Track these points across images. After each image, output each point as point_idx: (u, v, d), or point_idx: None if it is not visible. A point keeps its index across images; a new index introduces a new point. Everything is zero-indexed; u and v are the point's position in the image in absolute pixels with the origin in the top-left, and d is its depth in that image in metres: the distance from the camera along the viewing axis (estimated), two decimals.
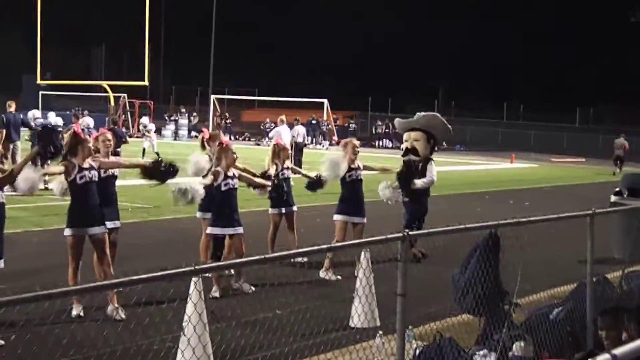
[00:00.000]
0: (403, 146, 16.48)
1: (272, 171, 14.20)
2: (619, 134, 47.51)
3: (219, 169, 12.53)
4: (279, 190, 14.36)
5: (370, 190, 15.34)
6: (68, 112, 45.15)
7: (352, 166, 14.38)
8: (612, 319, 7.14)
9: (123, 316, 10.59)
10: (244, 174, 13.15)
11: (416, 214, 16.05)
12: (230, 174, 12.53)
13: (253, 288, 12.65)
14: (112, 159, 12.27)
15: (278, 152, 14.61)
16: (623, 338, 6.27)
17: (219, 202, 12.59)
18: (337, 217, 14.35)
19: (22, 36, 69.10)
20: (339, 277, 13.96)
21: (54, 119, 25.15)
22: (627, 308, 8.65)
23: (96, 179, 11.05)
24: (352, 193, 14.43)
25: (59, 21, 63.83)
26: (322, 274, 13.97)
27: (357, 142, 14.89)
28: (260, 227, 15.33)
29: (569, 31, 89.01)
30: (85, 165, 10.90)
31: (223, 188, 12.45)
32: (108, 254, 11.03)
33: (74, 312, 10.61)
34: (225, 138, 14.29)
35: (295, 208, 15.05)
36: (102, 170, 11.85)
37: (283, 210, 14.56)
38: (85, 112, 28.50)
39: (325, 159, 14.48)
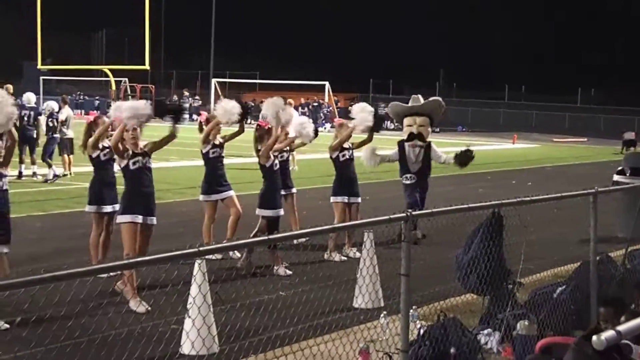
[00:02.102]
0: (407, 130, 16.39)
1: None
2: (623, 119, 47.69)
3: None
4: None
5: (371, 172, 15.35)
6: (71, 97, 45.10)
7: (344, 146, 14.42)
8: (613, 309, 7.14)
9: (147, 308, 10.46)
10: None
11: (420, 195, 16.05)
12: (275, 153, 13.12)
13: (289, 272, 12.73)
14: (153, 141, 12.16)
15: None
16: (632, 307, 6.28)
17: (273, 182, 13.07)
18: (335, 199, 14.38)
19: (23, 22, 68.87)
20: (344, 257, 13.97)
21: (27, 96, 24.94)
22: (638, 283, 8.70)
23: (150, 165, 11.02)
24: (346, 173, 14.48)
25: (59, 7, 63.72)
26: (326, 255, 13.98)
27: (351, 124, 14.91)
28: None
29: (571, 12, 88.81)
30: (139, 150, 10.86)
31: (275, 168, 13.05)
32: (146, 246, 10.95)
33: (138, 309, 10.45)
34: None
35: (294, 190, 15.10)
36: (102, 153, 11.86)
37: (283, 193, 14.54)
38: (68, 97, 28.19)
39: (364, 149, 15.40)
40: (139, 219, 10.69)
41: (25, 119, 23.38)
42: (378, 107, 65.21)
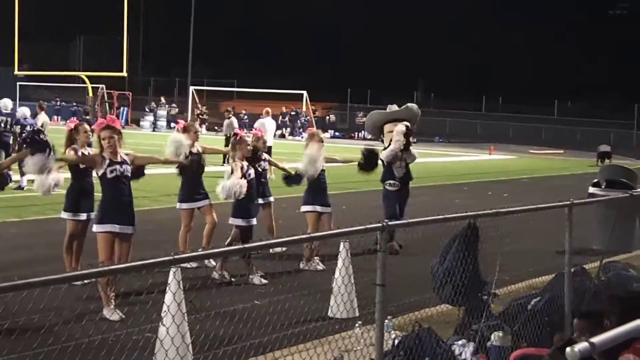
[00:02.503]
0: (388, 136, 16.40)
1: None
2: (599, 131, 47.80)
3: (237, 162, 12.79)
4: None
5: (347, 182, 15.34)
6: (48, 103, 44.78)
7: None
8: (587, 322, 7.16)
9: (122, 316, 10.43)
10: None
11: (398, 204, 16.07)
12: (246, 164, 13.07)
13: (265, 281, 12.70)
14: (144, 155, 12.18)
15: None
16: (604, 324, 6.30)
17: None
18: (306, 208, 14.38)
19: None
20: (323, 267, 13.93)
21: (22, 110, 24.91)
22: (611, 295, 8.71)
23: (128, 174, 10.88)
24: (317, 183, 14.42)
25: (37, 13, 63.49)
26: (302, 265, 13.97)
27: (322, 134, 14.97)
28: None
29: (547, 24, 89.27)
30: (118, 159, 10.77)
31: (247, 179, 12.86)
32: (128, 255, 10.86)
33: (111, 317, 10.38)
34: (238, 130, 14.50)
35: (272, 199, 15.08)
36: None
37: (261, 202, 14.50)
38: (45, 103, 28.08)
39: (305, 154, 14.28)
40: (116, 228, 10.62)
41: (2, 125, 23.24)
42: (356, 116, 65.67)
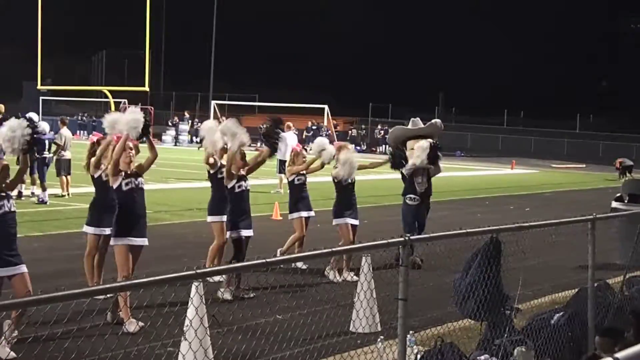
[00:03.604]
0: (410, 153, 16.41)
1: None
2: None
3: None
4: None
5: (369, 196, 15.34)
6: (72, 118, 44.86)
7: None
8: (610, 339, 7.13)
9: (138, 327, 10.50)
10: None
11: (417, 218, 16.06)
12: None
13: (252, 294, 12.60)
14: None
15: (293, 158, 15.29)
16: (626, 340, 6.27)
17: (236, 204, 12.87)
18: (339, 221, 14.48)
19: (23, 43, 69.00)
20: (340, 279, 13.96)
21: (42, 125, 25.08)
22: (635, 310, 8.66)
23: (142, 186, 11.02)
24: (348, 196, 14.67)
25: (60, 28, 63.86)
26: (330, 273, 14.11)
27: (350, 146, 15.11)
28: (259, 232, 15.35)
29: (569, 39, 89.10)
30: (130, 171, 10.88)
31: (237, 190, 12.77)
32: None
33: (132, 329, 10.46)
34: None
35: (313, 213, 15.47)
36: (103, 173, 11.83)
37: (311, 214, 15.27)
38: (67, 118, 28.26)
39: (339, 159, 14.80)
40: (135, 241, 10.73)
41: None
42: (375, 129, 65.72)
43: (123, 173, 10.75)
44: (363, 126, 71.54)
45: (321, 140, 15.82)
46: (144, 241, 10.93)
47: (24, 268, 9.67)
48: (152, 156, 11.24)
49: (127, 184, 10.77)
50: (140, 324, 10.43)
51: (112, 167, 10.89)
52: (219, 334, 9.52)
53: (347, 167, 14.60)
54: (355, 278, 13.52)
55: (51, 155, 24.24)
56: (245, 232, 12.83)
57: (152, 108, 70.47)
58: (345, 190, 14.64)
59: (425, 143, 15.94)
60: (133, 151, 11.00)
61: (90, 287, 5.40)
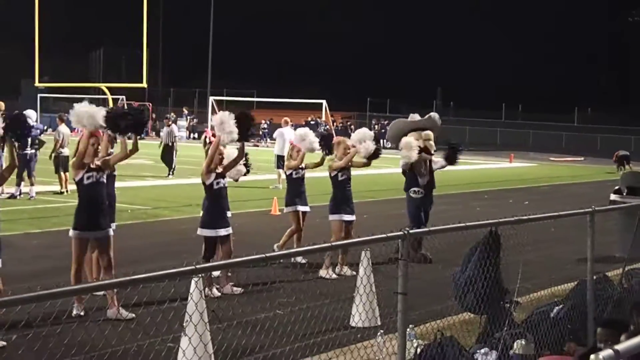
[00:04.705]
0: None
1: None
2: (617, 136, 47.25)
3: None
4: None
5: (368, 190, 15.34)
6: (69, 116, 44.61)
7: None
8: (611, 331, 7.13)
9: (128, 315, 10.55)
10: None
11: (423, 211, 16.06)
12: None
13: (240, 289, 12.55)
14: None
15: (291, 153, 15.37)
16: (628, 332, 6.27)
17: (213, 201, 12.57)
18: (333, 217, 14.38)
19: (21, 40, 68.95)
20: (336, 275, 13.92)
21: (27, 113, 24.71)
22: (635, 302, 8.66)
23: (103, 180, 11.02)
24: (344, 192, 14.53)
25: (58, 25, 63.79)
26: (321, 272, 13.94)
27: (349, 142, 14.86)
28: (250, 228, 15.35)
29: (567, 33, 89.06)
30: (93, 165, 10.89)
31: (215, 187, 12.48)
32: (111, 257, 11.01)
33: (75, 312, 10.59)
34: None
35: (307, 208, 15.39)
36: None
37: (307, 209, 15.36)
38: (66, 115, 27.98)
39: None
40: (91, 235, 10.87)
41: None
42: (374, 124, 65.71)
43: (86, 166, 10.79)
44: (349, 122, 71.49)
45: (364, 131, 15.19)
46: (101, 233, 10.95)
47: None
48: (123, 155, 11.16)
49: (88, 178, 10.80)
50: (125, 314, 10.51)
51: (77, 160, 10.92)
52: (219, 329, 9.52)
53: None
54: (351, 272, 13.54)
55: (33, 151, 23.82)
56: (223, 232, 12.42)
57: (150, 104, 70.47)
58: (341, 185, 14.51)
59: (411, 139, 15.79)
60: (100, 145, 11.04)
61: (89, 283, 5.40)
